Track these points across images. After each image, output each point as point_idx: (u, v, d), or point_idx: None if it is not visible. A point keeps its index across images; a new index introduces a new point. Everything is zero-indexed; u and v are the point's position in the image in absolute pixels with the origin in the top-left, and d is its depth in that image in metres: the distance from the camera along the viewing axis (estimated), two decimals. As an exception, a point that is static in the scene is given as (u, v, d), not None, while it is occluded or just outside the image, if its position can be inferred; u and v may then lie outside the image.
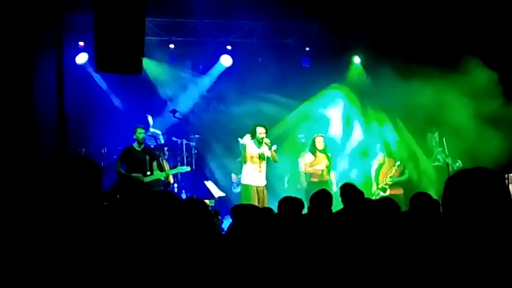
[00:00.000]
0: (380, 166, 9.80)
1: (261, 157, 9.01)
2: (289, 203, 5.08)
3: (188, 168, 9.90)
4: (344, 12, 10.34)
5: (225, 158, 10.68)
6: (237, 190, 9.85)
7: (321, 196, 5.43)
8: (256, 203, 8.20)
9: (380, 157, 9.83)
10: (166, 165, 9.90)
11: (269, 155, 9.09)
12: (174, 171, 9.66)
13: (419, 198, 4.78)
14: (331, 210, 5.40)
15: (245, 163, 8.99)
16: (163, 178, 9.35)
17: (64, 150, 7.69)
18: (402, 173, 9.68)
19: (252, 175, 9.02)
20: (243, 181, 9.09)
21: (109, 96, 11.11)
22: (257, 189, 8.95)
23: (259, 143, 9.06)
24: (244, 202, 7.39)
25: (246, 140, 9.09)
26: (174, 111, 10.29)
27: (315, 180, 9.34)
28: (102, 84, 10.97)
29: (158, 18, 10.59)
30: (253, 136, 9.11)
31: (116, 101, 11.17)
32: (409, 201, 4.79)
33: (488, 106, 9.31)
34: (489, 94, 9.35)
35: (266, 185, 9.13)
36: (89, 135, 10.83)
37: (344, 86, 11.07)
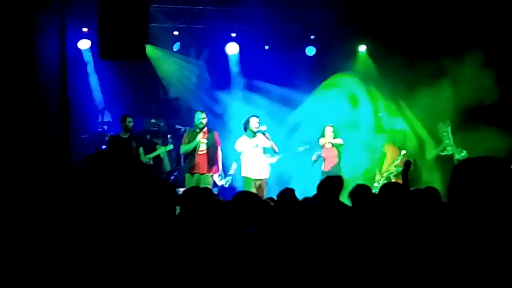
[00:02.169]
0: (384, 154, 9.64)
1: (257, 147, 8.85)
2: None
3: (171, 146, 10.01)
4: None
5: (228, 148, 10.53)
6: (222, 182, 9.59)
7: (331, 182, 5.28)
8: None
9: (385, 145, 9.68)
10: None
11: (267, 145, 8.93)
12: (156, 152, 9.87)
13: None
14: (339, 199, 5.25)
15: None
16: (146, 161, 9.51)
17: (66, 135, 7.66)
18: (406, 163, 9.50)
19: (250, 167, 8.88)
20: (242, 173, 8.94)
21: (109, 82, 11.02)
22: (255, 182, 8.82)
23: (253, 134, 8.91)
24: None
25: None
26: (176, 98, 10.16)
27: (326, 170, 9.14)
28: (102, 70, 10.88)
29: (162, 4, 10.48)
30: (247, 127, 8.93)
31: (117, 87, 11.07)
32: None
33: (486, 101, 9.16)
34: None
35: (267, 179, 8.97)
36: (91, 121, 10.81)
37: (351, 75, 10.87)
